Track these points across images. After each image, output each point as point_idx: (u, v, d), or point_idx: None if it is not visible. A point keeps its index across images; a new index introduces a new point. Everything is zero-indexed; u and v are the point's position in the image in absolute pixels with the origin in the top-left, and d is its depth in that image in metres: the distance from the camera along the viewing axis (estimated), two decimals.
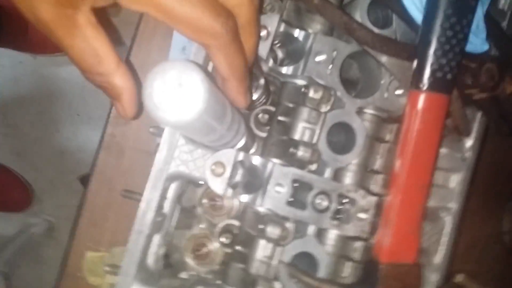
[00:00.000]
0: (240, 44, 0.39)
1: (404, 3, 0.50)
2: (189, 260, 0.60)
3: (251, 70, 0.41)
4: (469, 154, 0.60)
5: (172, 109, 0.34)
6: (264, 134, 0.58)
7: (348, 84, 0.59)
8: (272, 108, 0.58)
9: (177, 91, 0.33)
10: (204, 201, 0.60)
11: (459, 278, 0.77)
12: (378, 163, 0.59)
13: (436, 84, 0.48)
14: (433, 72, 0.48)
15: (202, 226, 0.61)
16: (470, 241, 0.89)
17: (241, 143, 0.52)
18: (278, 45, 0.54)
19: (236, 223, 0.57)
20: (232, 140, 0.48)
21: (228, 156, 0.49)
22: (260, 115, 0.58)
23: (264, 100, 0.58)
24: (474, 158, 0.60)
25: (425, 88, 0.48)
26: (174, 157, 0.48)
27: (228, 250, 0.56)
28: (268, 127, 0.57)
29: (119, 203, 0.69)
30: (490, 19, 0.55)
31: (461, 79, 0.53)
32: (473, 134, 0.59)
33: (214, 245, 0.61)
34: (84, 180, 0.92)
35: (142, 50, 0.71)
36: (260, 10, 0.39)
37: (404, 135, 0.50)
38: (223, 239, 0.56)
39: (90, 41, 0.34)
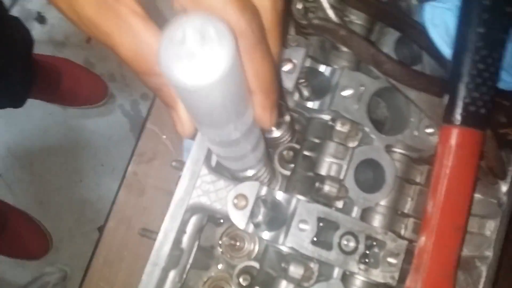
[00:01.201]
0: (267, 49, 0.34)
1: (432, 38, 0.49)
2: None
3: (278, 83, 0.37)
4: (505, 199, 0.56)
5: (192, 67, 0.25)
6: (288, 172, 0.56)
7: (376, 124, 0.58)
8: (297, 146, 0.56)
9: (199, 46, 0.26)
10: (224, 240, 0.57)
11: None
12: (408, 206, 0.56)
13: (470, 119, 0.46)
14: (465, 106, 0.46)
15: (220, 267, 0.58)
16: None
17: (265, 176, 0.50)
18: (304, 81, 0.53)
19: (256, 264, 0.54)
20: (255, 165, 0.47)
21: (251, 188, 0.47)
22: (285, 152, 0.57)
23: (289, 138, 0.57)
24: (510, 204, 0.56)
25: (458, 123, 0.46)
26: (196, 186, 0.46)
27: None
28: (292, 165, 0.56)
29: (136, 243, 0.67)
30: None
31: (495, 117, 0.52)
32: (509, 178, 0.56)
33: None
34: (101, 229, 0.90)
35: None
36: (283, 19, 0.36)
37: (436, 173, 0.48)
38: (241, 280, 0.53)
39: (140, 35, 0.30)
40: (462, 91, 0.46)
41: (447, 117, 0.47)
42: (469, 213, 0.48)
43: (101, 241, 0.66)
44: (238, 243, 0.58)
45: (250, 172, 0.48)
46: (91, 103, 1.89)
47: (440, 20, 0.49)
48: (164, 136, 0.69)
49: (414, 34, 0.50)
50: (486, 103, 0.47)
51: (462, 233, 0.48)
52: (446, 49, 0.49)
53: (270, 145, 0.59)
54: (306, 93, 0.54)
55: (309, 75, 0.53)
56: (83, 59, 2.00)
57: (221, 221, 0.59)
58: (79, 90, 1.82)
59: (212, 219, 0.59)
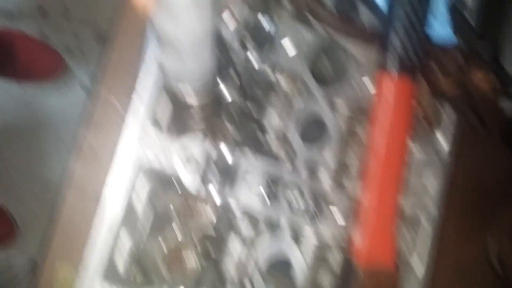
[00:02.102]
0: None
1: None
2: (162, 268, 0.58)
3: None
4: (443, 149, 0.59)
5: None
6: (234, 127, 0.57)
7: (319, 75, 0.59)
8: (243, 99, 0.57)
9: None
10: (179, 205, 0.58)
11: None
12: (351, 156, 0.58)
13: (402, 67, 0.48)
14: (398, 56, 0.48)
15: (178, 233, 0.59)
16: (455, 265, 0.86)
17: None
18: (245, 32, 0.53)
19: (210, 227, 0.56)
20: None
21: (198, 148, 0.48)
22: (231, 106, 0.58)
23: (235, 91, 0.57)
24: (448, 154, 0.59)
25: (390, 70, 0.48)
26: (140, 140, 0.47)
27: (202, 256, 0.54)
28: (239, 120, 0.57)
29: (93, 212, 0.66)
30: (456, 10, 0.56)
31: (428, 66, 0.54)
32: (445, 127, 0.59)
33: (188, 252, 0.58)
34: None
35: (116, 53, 0.71)
36: None
37: (372, 120, 0.50)
38: (197, 244, 0.54)
39: None
40: (394, 40, 0.48)
41: (381, 65, 0.49)
42: (405, 160, 0.50)
43: (56, 211, 0.66)
44: (192, 207, 0.59)
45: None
46: (48, 78, 1.83)
47: None
48: (115, 101, 0.69)
49: None
50: (418, 52, 0.49)
51: (400, 183, 0.50)
52: (381, 1, 0.51)
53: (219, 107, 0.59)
54: (247, 44, 0.54)
55: (248, 26, 0.53)
56: (37, 32, 1.93)
57: (174, 181, 0.60)
58: (34, 64, 1.76)
59: (168, 183, 0.60)
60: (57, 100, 1.89)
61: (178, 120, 0.49)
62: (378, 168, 0.49)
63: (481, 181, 0.87)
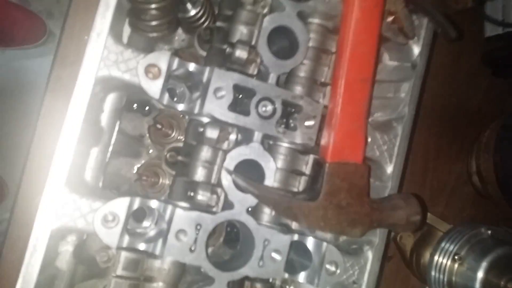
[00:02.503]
0: None
1: None
2: (139, 189, 0.58)
3: None
4: (418, 60, 0.58)
5: None
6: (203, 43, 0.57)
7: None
8: (213, 25, 0.56)
9: None
10: (152, 127, 0.58)
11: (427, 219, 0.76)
12: (325, 75, 0.57)
13: None
14: None
15: (151, 153, 0.59)
16: (439, 184, 0.88)
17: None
18: None
19: (180, 138, 0.56)
20: None
21: (162, 58, 0.47)
22: (202, 32, 0.57)
23: (206, 18, 0.56)
24: (423, 65, 0.59)
25: None
26: (102, 57, 0.46)
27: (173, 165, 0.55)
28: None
29: None
30: None
31: None
32: (421, 40, 0.58)
33: (164, 176, 0.59)
34: None
35: None
36: None
37: (343, 26, 0.49)
38: (168, 157, 0.55)
39: None
40: None
41: None
42: (376, 65, 0.50)
43: (32, 146, 0.65)
44: (165, 129, 0.59)
45: None
46: (30, 43, 1.80)
47: None
48: (86, 37, 0.67)
49: None
50: None
51: (370, 85, 0.50)
52: None
53: (189, 27, 0.58)
54: None
55: None
56: None
57: (147, 108, 0.59)
58: (15, 29, 1.73)
59: (139, 108, 0.59)
60: (41, 63, 1.87)
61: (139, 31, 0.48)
62: (347, 65, 0.49)
63: (462, 103, 0.89)
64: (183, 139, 0.56)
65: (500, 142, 0.79)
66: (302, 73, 0.55)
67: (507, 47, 0.88)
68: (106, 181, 0.54)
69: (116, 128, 0.52)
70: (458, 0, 0.54)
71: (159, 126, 0.57)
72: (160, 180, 0.59)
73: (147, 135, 0.59)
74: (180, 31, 0.60)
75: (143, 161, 0.59)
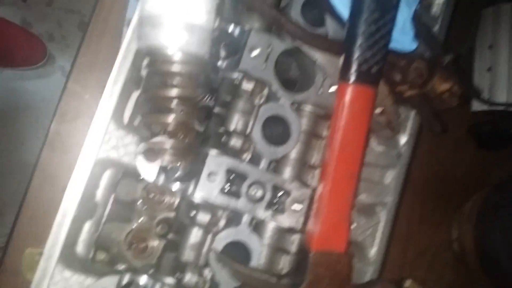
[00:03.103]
0: None
1: (331, 1, 0.52)
2: (128, 254, 0.60)
3: None
4: (404, 150, 0.62)
5: None
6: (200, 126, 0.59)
7: (288, 83, 0.61)
8: (213, 104, 0.59)
9: None
10: (145, 194, 0.60)
11: (407, 283, 0.79)
12: (315, 158, 0.60)
13: (362, 77, 0.50)
14: (359, 65, 0.50)
15: (141, 220, 0.61)
16: (421, 248, 0.91)
17: None
18: (217, 41, 0.55)
19: (173, 215, 0.58)
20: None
21: (161, 143, 0.50)
22: (201, 110, 0.59)
23: (206, 96, 0.59)
24: (408, 155, 0.62)
25: (351, 80, 0.50)
26: (104, 141, 0.48)
27: (164, 242, 0.57)
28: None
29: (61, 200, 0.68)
30: (419, 21, 0.58)
31: (391, 76, 0.56)
32: (407, 131, 0.62)
33: (153, 240, 0.61)
34: None
35: (91, 50, 0.72)
36: None
37: (333, 126, 0.52)
38: (159, 229, 0.57)
39: None
40: (355, 51, 0.50)
41: (342, 75, 0.51)
42: (362, 162, 0.53)
43: (26, 200, 0.67)
44: (158, 197, 0.61)
45: None
46: (30, 64, 1.82)
47: None
48: (87, 96, 0.70)
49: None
50: (378, 62, 0.51)
51: (356, 180, 0.53)
52: (345, 12, 0.52)
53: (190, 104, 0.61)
54: (219, 50, 0.56)
55: (219, 35, 0.55)
56: (19, 19, 1.91)
57: (142, 176, 0.61)
58: (16, 50, 1.75)
59: (133, 174, 0.61)
60: (38, 85, 1.88)
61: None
62: (335, 163, 0.51)
63: (447, 172, 0.92)
64: (174, 212, 0.58)
65: (481, 216, 0.82)
66: (293, 155, 0.58)
67: (491, 123, 0.92)
68: (97, 245, 0.55)
69: (111, 201, 0.54)
70: (444, 101, 0.57)
71: (151, 195, 0.59)
72: (149, 245, 0.61)
73: (140, 201, 0.61)
74: None
75: (133, 226, 0.61)
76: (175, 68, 0.46)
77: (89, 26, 0.71)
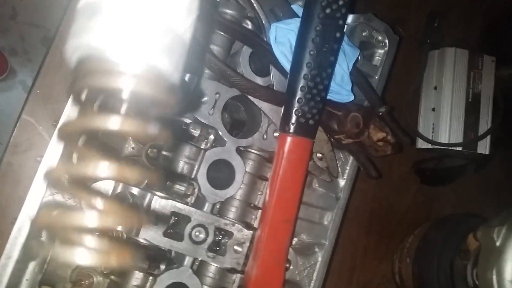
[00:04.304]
0: None
1: (276, 55, 0.55)
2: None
3: None
4: (342, 193, 0.65)
5: None
6: (153, 168, 0.61)
7: (238, 122, 0.64)
8: (162, 144, 0.61)
9: None
10: None
11: None
12: (259, 199, 0.63)
13: (300, 129, 0.54)
14: (297, 118, 0.54)
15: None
16: (365, 280, 0.94)
17: None
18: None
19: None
20: None
21: (106, 187, 0.52)
22: (149, 150, 0.61)
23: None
24: (346, 198, 0.66)
25: (290, 132, 0.54)
26: (49, 186, 0.50)
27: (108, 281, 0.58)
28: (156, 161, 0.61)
29: (10, 233, 0.68)
30: (358, 72, 0.62)
31: (329, 124, 0.60)
32: (346, 175, 0.65)
33: (98, 277, 0.62)
34: None
35: (47, 83, 0.73)
36: None
37: (273, 173, 0.55)
38: (102, 269, 0.58)
39: None
40: (294, 105, 0.53)
41: (282, 126, 0.54)
42: (298, 208, 0.56)
43: None
44: None
45: None
46: None
47: (285, 39, 0.56)
48: (41, 128, 0.71)
49: (262, 51, 0.56)
50: (314, 116, 0.54)
51: (292, 226, 0.56)
52: (287, 66, 0.56)
53: (141, 141, 0.63)
54: None
55: None
56: None
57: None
58: None
59: None
60: None
61: None
62: (273, 209, 0.55)
63: (392, 206, 0.97)
64: None
65: (419, 251, 0.87)
66: (238, 197, 0.60)
67: (434, 160, 0.98)
68: (41, 283, 0.56)
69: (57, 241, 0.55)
70: (378, 149, 0.61)
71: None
72: (95, 281, 0.62)
73: None
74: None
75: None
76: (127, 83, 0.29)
77: (53, 41, 0.72)
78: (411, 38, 0.94)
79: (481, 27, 1.04)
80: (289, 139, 0.54)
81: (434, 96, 0.96)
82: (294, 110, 0.53)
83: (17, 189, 0.72)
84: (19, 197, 0.72)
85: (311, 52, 0.53)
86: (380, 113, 0.62)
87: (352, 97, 0.60)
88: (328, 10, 0.52)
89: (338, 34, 0.54)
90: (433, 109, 0.96)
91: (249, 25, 0.59)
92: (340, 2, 0.52)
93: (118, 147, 0.61)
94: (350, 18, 0.65)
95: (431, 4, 0.97)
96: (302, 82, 0.53)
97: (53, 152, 0.50)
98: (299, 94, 0.53)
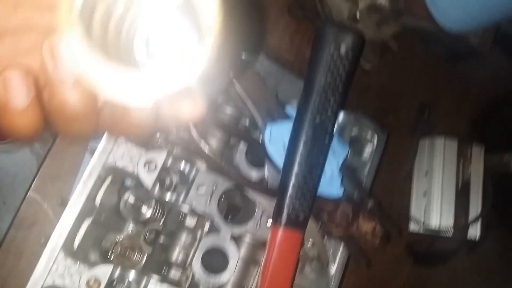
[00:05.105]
0: None
1: (269, 152, 0.60)
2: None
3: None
4: (333, 281, 0.68)
5: None
6: (150, 250, 0.64)
7: (233, 209, 0.68)
8: (160, 228, 0.65)
9: None
10: None
11: None
12: (252, 283, 0.65)
13: (291, 223, 0.57)
14: (288, 213, 0.57)
15: None
16: None
17: None
18: (166, 175, 0.62)
19: None
20: None
21: (104, 272, 0.55)
22: (147, 234, 0.65)
23: (159, 218, 0.65)
24: (336, 284, 0.68)
25: (281, 224, 0.57)
26: (52, 270, 0.53)
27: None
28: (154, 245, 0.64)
29: None
30: (347, 168, 0.66)
31: (320, 218, 0.63)
32: (336, 262, 0.68)
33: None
34: None
35: (56, 161, 0.78)
36: None
37: (265, 262, 0.58)
38: None
39: None
40: (285, 201, 0.58)
41: (274, 218, 0.58)
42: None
43: None
44: None
45: None
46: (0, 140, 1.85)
47: (278, 138, 0.61)
48: (46, 205, 0.75)
49: (256, 147, 0.61)
50: (305, 211, 0.58)
51: None
52: (280, 162, 0.60)
53: (141, 222, 0.66)
54: (168, 182, 0.62)
55: (171, 171, 0.62)
56: None
57: None
58: None
59: None
60: (6, 163, 1.91)
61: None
62: None
63: (385, 285, 0.98)
64: None
65: None
66: (231, 282, 0.63)
67: (426, 242, 1.00)
68: None
69: None
70: (367, 240, 0.64)
71: None
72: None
73: None
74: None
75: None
76: None
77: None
78: (402, 127, 1.00)
79: (470, 115, 1.10)
80: (280, 231, 0.57)
81: (425, 181, 1.00)
82: (285, 205, 0.57)
83: (19, 263, 0.75)
84: (20, 271, 0.74)
85: (302, 153, 0.58)
86: (369, 206, 0.65)
87: (341, 192, 0.64)
88: (317, 119, 0.57)
89: (327, 138, 0.59)
90: (424, 194, 0.99)
91: (246, 121, 0.64)
92: (329, 113, 0.58)
93: (118, 227, 0.65)
94: (341, 116, 0.71)
95: (421, 94, 1.04)
96: (293, 180, 0.57)
97: (56, 238, 0.54)
98: (290, 190, 0.57)
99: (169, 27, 0.28)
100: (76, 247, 0.56)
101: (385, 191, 0.88)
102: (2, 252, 0.75)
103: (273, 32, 0.92)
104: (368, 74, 0.96)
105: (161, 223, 0.64)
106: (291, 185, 0.57)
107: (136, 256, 0.62)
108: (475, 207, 0.99)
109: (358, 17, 0.82)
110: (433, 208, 0.98)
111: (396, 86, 1.02)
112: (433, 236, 0.98)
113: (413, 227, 0.99)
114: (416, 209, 1.00)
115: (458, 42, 0.98)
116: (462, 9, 0.77)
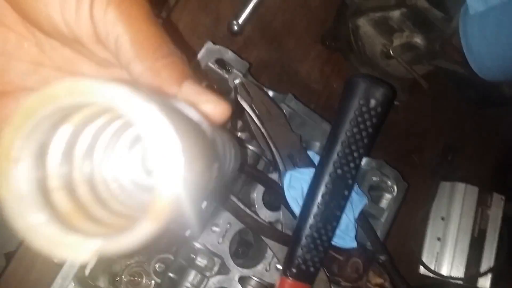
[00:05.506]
0: None
1: (287, 198, 0.60)
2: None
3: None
4: None
5: None
6: (158, 281, 0.64)
7: (245, 243, 0.68)
8: (171, 257, 0.65)
9: None
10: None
11: None
12: None
13: (300, 275, 0.57)
14: (298, 265, 0.57)
15: None
16: None
17: None
18: None
19: None
20: None
21: None
22: (157, 265, 0.65)
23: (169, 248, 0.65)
24: None
25: (291, 276, 0.57)
26: None
27: None
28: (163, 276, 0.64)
29: None
30: (363, 219, 0.66)
31: (330, 268, 0.63)
32: None
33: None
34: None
35: None
36: None
37: None
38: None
39: None
40: (297, 252, 0.57)
41: (284, 269, 0.58)
42: None
43: None
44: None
45: None
46: None
47: (297, 185, 0.60)
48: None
49: (273, 192, 0.61)
50: (315, 264, 0.58)
51: None
52: (296, 210, 0.60)
53: (151, 250, 0.67)
54: None
55: None
56: None
57: None
58: None
59: None
60: None
61: None
62: None
63: None
64: None
65: None
66: None
67: (436, 285, 0.99)
68: None
69: None
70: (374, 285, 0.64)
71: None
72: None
73: None
74: None
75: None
76: None
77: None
78: (424, 167, 0.98)
79: (494, 162, 1.08)
80: (289, 283, 0.57)
81: (441, 226, 0.98)
82: (297, 257, 0.57)
83: (29, 277, 0.76)
84: (29, 286, 0.75)
85: (320, 206, 0.57)
86: (381, 261, 0.65)
87: (355, 244, 0.63)
88: (339, 171, 0.57)
89: (346, 192, 0.58)
90: (439, 239, 0.98)
91: (266, 162, 0.64)
92: (351, 166, 0.57)
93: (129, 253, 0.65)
94: (363, 161, 0.70)
95: (447, 136, 1.02)
96: (307, 231, 0.57)
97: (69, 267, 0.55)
98: (303, 241, 0.57)
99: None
100: (88, 273, 0.57)
101: (399, 230, 0.87)
102: (15, 261, 0.76)
103: (304, 61, 0.91)
104: (395, 110, 0.94)
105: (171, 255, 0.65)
106: (304, 236, 0.57)
107: (145, 282, 0.62)
108: (488, 257, 0.97)
109: (391, 53, 0.81)
110: (446, 254, 0.96)
111: (423, 125, 1.01)
112: (443, 282, 0.97)
113: (423, 270, 0.98)
114: (428, 253, 0.98)
115: (490, 89, 0.96)
116: (499, 59, 0.75)
